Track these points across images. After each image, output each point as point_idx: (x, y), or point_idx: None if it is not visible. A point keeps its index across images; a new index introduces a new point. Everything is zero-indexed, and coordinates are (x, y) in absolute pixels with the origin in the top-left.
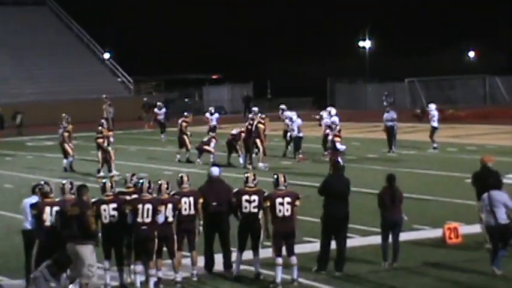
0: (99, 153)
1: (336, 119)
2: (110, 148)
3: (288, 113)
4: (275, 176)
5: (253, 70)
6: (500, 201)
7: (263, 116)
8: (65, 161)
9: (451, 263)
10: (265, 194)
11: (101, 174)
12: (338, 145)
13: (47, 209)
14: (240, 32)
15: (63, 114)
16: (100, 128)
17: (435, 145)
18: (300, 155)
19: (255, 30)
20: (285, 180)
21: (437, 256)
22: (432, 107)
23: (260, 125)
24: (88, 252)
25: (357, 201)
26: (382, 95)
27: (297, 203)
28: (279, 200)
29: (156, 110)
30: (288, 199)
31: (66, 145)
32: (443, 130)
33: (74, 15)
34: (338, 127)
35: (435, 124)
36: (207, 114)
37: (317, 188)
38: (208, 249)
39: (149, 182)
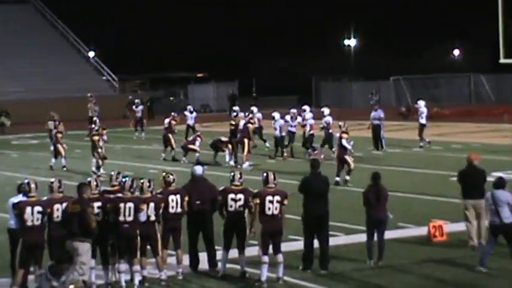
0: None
1: (329, 118)
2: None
3: (259, 115)
4: (265, 174)
5: (239, 68)
6: (504, 200)
7: (251, 116)
8: (53, 160)
9: (436, 261)
10: (255, 191)
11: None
12: (344, 142)
13: (28, 208)
14: (226, 31)
15: (51, 113)
16: (94, 125)
17: (421, 144)
18: (285, 153)
19: (241, 29)
20: (274, 178)
21: (423, 254)
22: (421, 103)
23: (250, 125)
24: (84, 249)
25: (342, 199)
26: (368, 94)
27: (285, 202)
28: (269, 198)
29: (133, 107)
30: (277, 197)
31: (59, 146)
32: (428, 128)
33: (59, 14)
34: (346, 125)
35: (423, 121)
36: (186, 113)
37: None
38: (192, 247)
39: (132, 181)
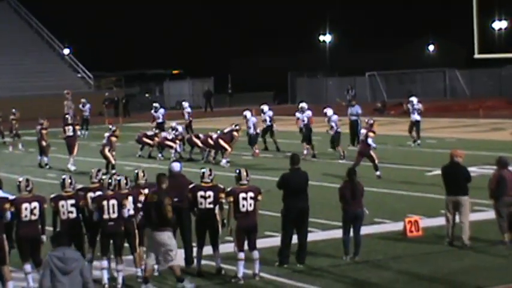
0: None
1: (309, 112)
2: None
3: (270, 113)
4: (237, 171)
5: (214, 65)
6: None
7: (237, 128)
8: (45, 158)
9: (411, 256)
10: (228, 189)
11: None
12: (370, 140)
13: None
14: (201, 27)
15: (13, 110)
16: (111, 126)
17: (419, 141)
18: (257, 150)
19: (216, 25)
20: (247, 175)
21: (398, 249)
22: (414, 100)
23: (234, 133)
24: (165, 238)
25: (318, 195)
26: (344, 90)
27: (259, 197)
28: (242, 195)
29: (80, 106)
30: (251, 194)
31: (44, 142)
32: (403, 124)
33: (33, 11)
34: (372, 121)
35: (418, 117)
36: (152, 111)
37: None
38: None
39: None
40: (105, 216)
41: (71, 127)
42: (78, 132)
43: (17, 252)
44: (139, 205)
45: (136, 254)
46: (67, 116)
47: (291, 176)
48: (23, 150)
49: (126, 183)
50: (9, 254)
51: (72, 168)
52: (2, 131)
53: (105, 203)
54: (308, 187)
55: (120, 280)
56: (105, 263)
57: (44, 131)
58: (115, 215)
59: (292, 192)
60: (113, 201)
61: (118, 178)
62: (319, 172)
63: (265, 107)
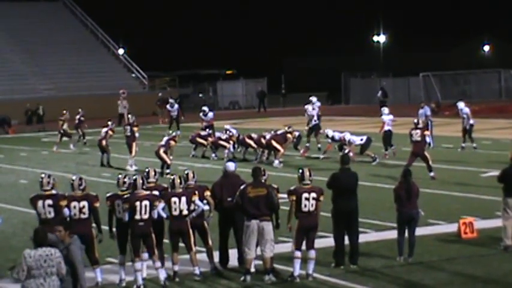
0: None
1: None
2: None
3: (318, 104)
4: (300, 171)
5: (268, 65)
6: None
7: (290, 129)
8: (104, 157)
9: (466, 257)
10: (291, 188)
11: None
12: (428, 139)
13: (40, 202)
14: (255, 27)
15: (64, 111)
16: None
17: (474, 144)
18: (302, 150)
19: (270, 26)
20: (310, 175)
21: (453, 251)
22: (461, 104)
23: (288, 135)
24: (271, 228)
25: (372, 196)
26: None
27: (321, 198)
28: (305, 195)
29: (168, 107)
30: (313, 194)
31: (104, 141)
32: (457, 124)
33: (88, 11)
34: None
35: (471, 121)
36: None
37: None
38: (223, 244)
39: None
40: (137, 216)
41: (128, 127)
42: (137, 134)
43: None
44: (200, 203)
45: (192, 252)
46: (129, 115)
47: (341, 176)
48: (74, 150)
49: (180, 183)
50: None
51: (132, 168)
52: (79, 132)
53: (137, 203)
54: (358, 187)
55: (161, 278)
56: (138, 264)
57: (110, 132)
58: (146, 216)
59: (342, 192)
60: (146, 202)
61: (172, 178)
62: (373, 172)
63: (309, 107)
